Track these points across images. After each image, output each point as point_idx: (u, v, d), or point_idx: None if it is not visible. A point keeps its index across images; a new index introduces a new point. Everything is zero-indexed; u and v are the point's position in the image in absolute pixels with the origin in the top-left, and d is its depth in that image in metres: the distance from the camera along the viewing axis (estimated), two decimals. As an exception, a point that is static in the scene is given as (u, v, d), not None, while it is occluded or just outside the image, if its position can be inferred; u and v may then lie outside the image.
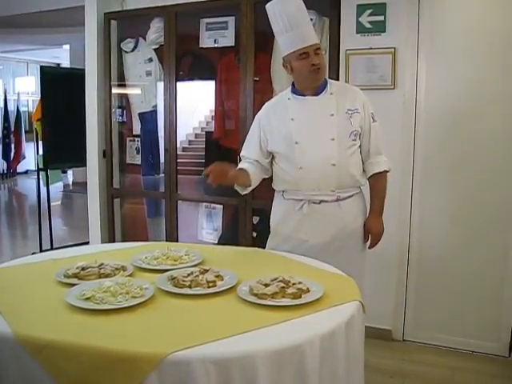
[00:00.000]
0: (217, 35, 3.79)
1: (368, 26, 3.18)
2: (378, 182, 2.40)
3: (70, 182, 10.76)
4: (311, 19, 3.40)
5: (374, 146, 2.35)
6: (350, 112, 2.28)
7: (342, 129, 2.27)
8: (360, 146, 2.34)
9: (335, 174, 2.26)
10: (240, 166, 2.39)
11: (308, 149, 2.27)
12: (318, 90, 2.32)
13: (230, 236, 3.95)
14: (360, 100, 2.33)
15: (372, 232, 2.42)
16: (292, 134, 2.29)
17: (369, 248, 2.46)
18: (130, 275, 1.87)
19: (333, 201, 2.30)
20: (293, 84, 2.39)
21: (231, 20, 3.72)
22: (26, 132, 11.71)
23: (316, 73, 2.25)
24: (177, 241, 3.93)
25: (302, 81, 2.33)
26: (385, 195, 2.44)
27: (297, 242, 2.33)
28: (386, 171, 2.39)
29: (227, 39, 3.73)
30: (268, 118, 2.39)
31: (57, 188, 6.85)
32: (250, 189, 2.42)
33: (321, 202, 2.30)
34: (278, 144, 2.34)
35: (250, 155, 2.41)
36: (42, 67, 5.25)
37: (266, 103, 2.50)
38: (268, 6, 2.29)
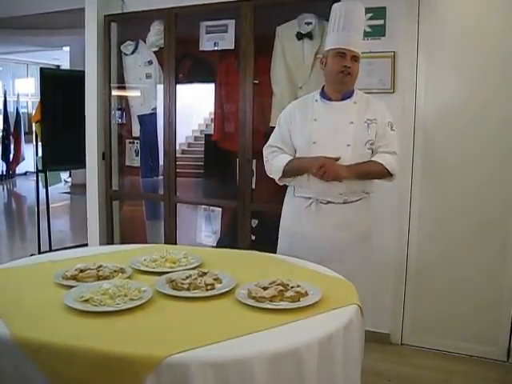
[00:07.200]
0: (217, 38, 3.80)
1: (368, 29, 3.18)
2: (373, 163, 2.35)
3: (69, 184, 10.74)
4: (310, 23, 3.45)
5: (385, 146, 2.37)
6: (368, 122, 2.37)
7: (359, 137, 2.35)
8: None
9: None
10: (287, 157, 2.45)
11: (324, 150, 2.33)
12: (344, 96, 2.41)
13: (228, 239, 3.95)
14: (380, 111, 2.41)
15: (327, 164, 2.26)
16: (312, 133, 2.38)
17: (315, 173, 2.29)
18: (128, 277, 1.87)
19: (339, 203, 2.36)
20: (322, 88, 2.48)
21: (231, 23, 3.72)
22: (25, 133, 11.74)
23: (344, 75, 2.34)
24: (175, 243, 3.92)
25: (329, 79, 2.42)
26: (368, 172, 2.35)
27: (304, 240, 2.38)
28: (386, 169, 2.34)
29: (227, 42, 3.74)
30: (293, 115, 2.49)
31: (56, 189, 6.83)
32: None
33: (328, 202, 2.36)
34: (299, 140, 2.44)
35: (286, 149, 2.48)
36: (41, 69, 5.23)
37: (292, 102, 2.62)
38: (335, 5, 2.42)
